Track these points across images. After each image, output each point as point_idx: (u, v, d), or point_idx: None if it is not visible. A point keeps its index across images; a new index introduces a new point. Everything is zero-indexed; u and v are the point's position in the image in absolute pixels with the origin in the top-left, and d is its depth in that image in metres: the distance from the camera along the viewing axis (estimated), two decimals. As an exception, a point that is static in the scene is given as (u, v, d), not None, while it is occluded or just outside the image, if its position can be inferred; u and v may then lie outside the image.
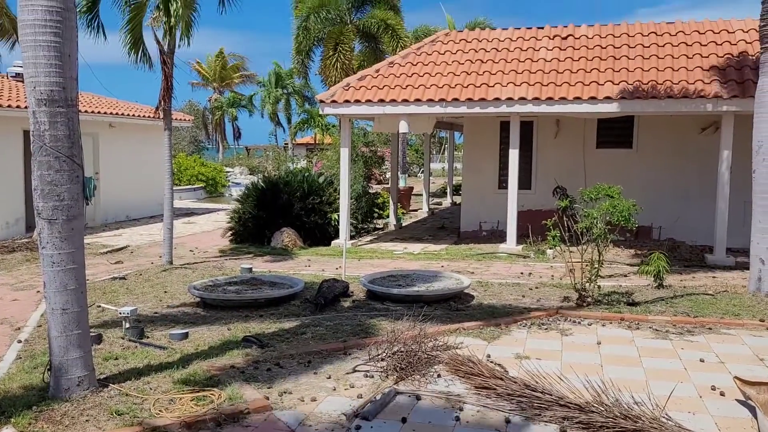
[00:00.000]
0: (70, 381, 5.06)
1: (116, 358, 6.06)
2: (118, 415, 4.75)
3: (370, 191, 17.58)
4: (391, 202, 17.04)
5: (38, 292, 9.09)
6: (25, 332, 7.20)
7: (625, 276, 10.23)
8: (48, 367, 5.23)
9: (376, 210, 17.05)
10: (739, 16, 13.68)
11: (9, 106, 14.04)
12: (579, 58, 12.83)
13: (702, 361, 6.13)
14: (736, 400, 5.11)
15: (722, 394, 5.26)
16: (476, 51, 13.85)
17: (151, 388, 5.27)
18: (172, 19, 10.64)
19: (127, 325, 6.82)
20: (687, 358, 6.23)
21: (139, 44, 11.39)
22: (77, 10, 10.62)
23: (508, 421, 4.73)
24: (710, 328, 7.23)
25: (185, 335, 6.83)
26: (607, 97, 11.56)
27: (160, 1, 10.65)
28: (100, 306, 8.23)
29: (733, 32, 13.00)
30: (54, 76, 4.88)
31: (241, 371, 5.71)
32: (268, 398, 5.10)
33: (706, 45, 12.65)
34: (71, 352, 5.08)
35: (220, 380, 5.44)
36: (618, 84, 11.75)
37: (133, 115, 18.26)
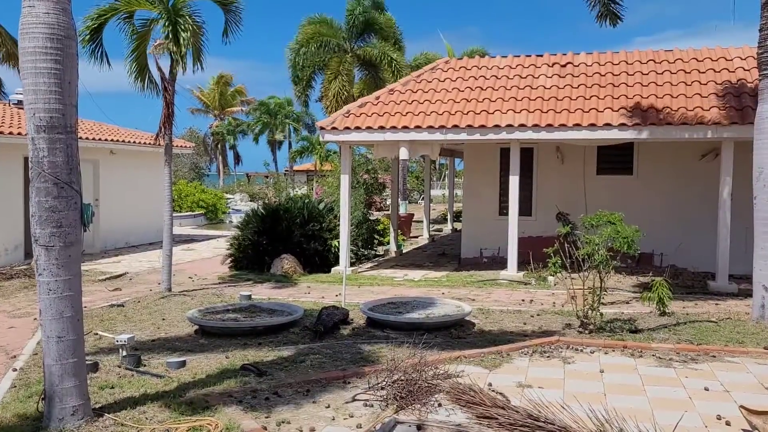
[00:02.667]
0: (64, 410, 4.97)
1: (112, 387, 5.98)
2: None
3: (370, 218, 17.56)
4: (391, 228, 17.01)
5: (35, 319, 9.02)
6: (20, 360, 7.12)
7: (627, 303, 10.15)
8: (42, 396, 5.14)
9: (377, 237, 17.01)
10: (735, 45, 13.77)
11: (10, 133, 14.09)
12: (578, 86, 12.90)
13: (707, 389, 6.04)
14: (742, 430, 5.01)
15: (728, 423, 5.16)
16: (476, 78, 13.94)
17: (147, 418, 5.18)
18: (183, 48, 10.71)
19: (124, 353, 6.74)
20: (691, 386, 6.13)
21: (144, 72, 11.49)
22: (80, 39, 10.80)
23: (510, 452, 4.63)
24: (714, 356, 7.14)
25: (182, 363, 6.75)
26: (607, 124, 11.59)
27: (169, 31, 10.72)
28: (97, 334, 8.15)
29: (731, 60, 13.10)
30: (54, 103, 4.88)
31: (238, 400, 5.62)
32: (265, 428, 5.01)
33: (704, 72, 12.73)
34: (66, 381, 5.00)
35: (218, 409, 5.35)
36: (617, 111, 11.79)
37: (134, 142, 18.32)
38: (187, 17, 10.76)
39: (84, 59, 11.17)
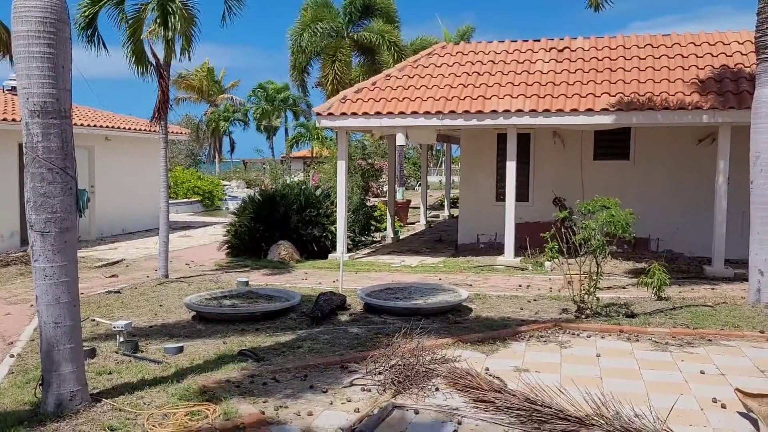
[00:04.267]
0: (62, 396, 4.98)
1: (110, 373, 5.99)
2: (111, 430, 4.68)
3: (367, 204, 17.54)
4: (388, 214, 16.99)
5: (32, 305, 9.01)
6: (17, 346, 7.12)
7: (624, 288, 10.17)
8: (40, 381, 5.15)
9: (374, 223, 17.00)
10: (732, 29, 13.73)
11: (4, 119, 14.01)
12: (575, 70, 12.85)
13: (702, 373, 6.07)
14: (738, 412, 5.04)
15: (723, 406, 5.19)
16: (473, 63, 13.87)
17: (144, 403, 5.19)
18: (170, 33, 10.68)
19: (122, 339, 6.75)
20: (687, 370, 6.16)
21: (142, 58, 11.42)
22: (76, 26, 10.75)
23: (507, 435, 4.66)
24: (710, 340, 7.17)
25: (180, 349, 6.75)
26: (604, 109, 11.56)
27: (158, 15, 10.67)
28: (94, 320, 8.15)
29: (729, 44, 13.05)
30: (47, 88, 4.84)
31: (236, 385, 5.63)
32: (263, 413, 5.02)
33: (702, 57, 12.69)
34: (63, 367, 5.00)
35: (216, 394, 5.36)
36: (614, 96, 11.76)
37: (129, 129, 18.23)
38: (177, 1, 10.70)
39: (80, 45, 11.11)
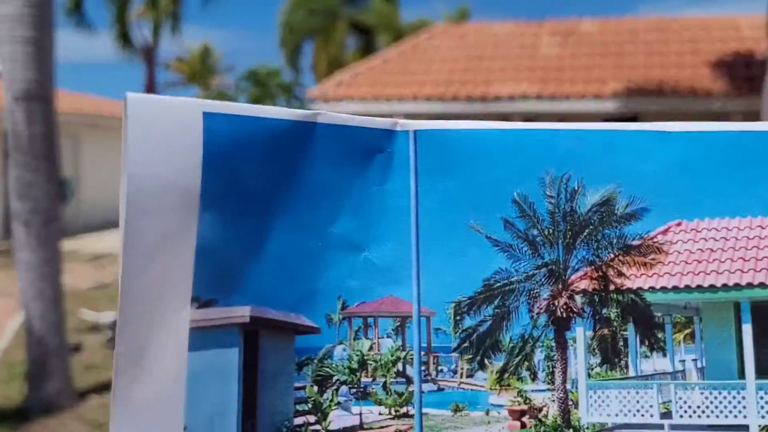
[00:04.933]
0: (48, 391, 4.81)
1: (97, 368, 5.76)
2: (98, 426, 4.51)
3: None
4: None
5: (16, 299, 8.68)
6: (2, 341, 6.87)
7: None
8: (25, 377, 4.98)
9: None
10: (742, 14, 13.48)
11: (-12, 103, 13.55)
12: (582, 55, 12.55)
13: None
14: None
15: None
16: (475, 46, 13.54)
17: (134, 403, 4.91)
18: (158, 13, 10.41)
19: (109, 334, 6.49)
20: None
21: (129, 40, 11.18)
22: (64, 9, 10.44)
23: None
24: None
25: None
26: (613, 95, 11.28)
27: None
28: (80, 313, 7.85)
29: (740, 29, 12.83)
30: (31, 72, 4.63)
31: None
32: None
33: (711, 42, 12.44)
34: (49, 362, 4.82)
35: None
36: (623, 81, 11.48)
37: (116, 115, 17.76)
38: None
39: (68, 30, 10.81)
